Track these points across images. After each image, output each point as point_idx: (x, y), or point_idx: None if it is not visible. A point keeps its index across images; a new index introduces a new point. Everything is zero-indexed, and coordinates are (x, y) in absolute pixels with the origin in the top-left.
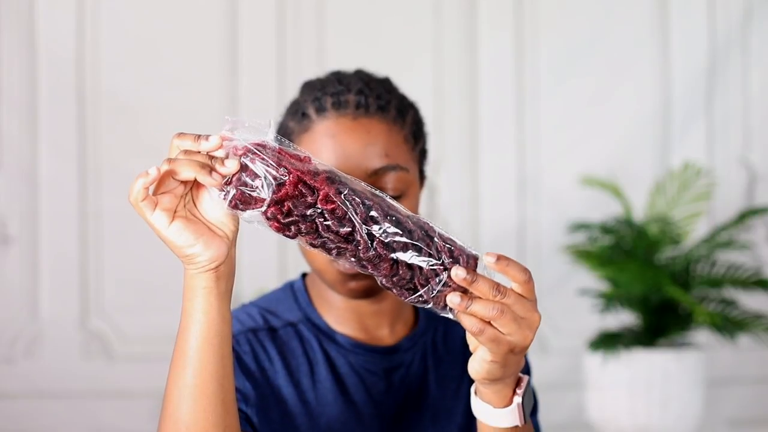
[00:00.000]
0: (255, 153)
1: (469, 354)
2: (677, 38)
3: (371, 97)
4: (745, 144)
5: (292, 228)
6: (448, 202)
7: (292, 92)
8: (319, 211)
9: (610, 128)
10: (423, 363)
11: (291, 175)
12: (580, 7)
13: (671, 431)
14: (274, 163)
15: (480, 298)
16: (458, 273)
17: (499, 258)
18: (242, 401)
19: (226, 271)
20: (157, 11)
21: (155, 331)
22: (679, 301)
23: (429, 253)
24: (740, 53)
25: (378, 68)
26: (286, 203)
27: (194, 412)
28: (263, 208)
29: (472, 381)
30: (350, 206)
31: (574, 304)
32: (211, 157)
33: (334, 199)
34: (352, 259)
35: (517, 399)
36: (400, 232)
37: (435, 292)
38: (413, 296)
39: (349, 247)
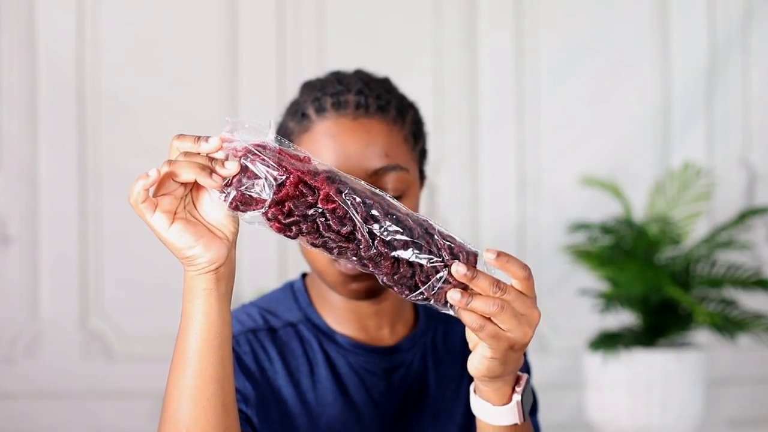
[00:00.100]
0: (255, 154)
1: (469, 354)
2: (677, 38)
3: (371, 97)
4: (745, 144)
5: (293, 228)
6: (448, 202)
7: (292, 92)
8: (320, 210)
9: (610, 128)
10: (423, 363)
11: (291, 176)
12: (580, 7)
13: (671, 431)
14: (274, 164)
15: (480, 294)
16: (458, 269)
17: (499, 254)
18: (242, 402)
19: (226, 273)
20: (157, 11)
21: (155, 331)
22: (679, 301)
23: (429, 250)
24: (740, 53)
25: (378, 68)
26: (286, 203)
27: (194, 413)
28: (264, 209)
29: (472, 381)
30: (351, 205)
31: (574, 304)
32: (211, 159)
33: (335, 199)
34: (354, 258)
35: (516, 397)
36: (401, 230)
37: (436, 289)
38: (414, 294)
39: (350, 246)
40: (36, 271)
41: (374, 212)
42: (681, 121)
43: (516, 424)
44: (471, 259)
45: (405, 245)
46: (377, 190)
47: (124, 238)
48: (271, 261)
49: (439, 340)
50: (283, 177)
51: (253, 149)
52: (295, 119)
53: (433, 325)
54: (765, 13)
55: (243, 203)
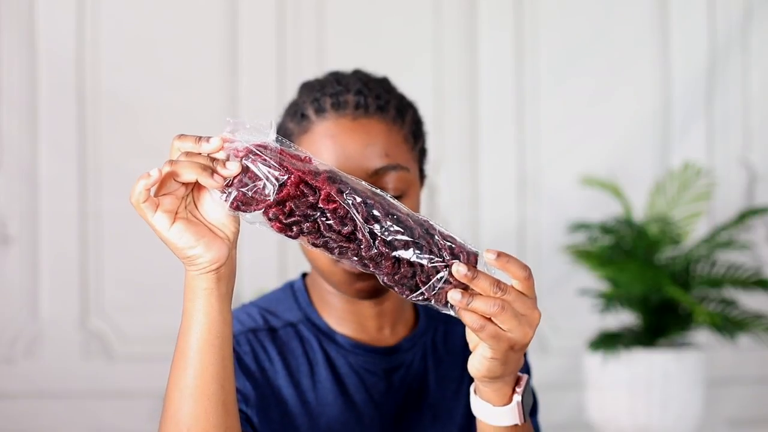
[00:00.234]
0: (256, 154)
1: (470, 354)
2: (677, 38)
3: (370, 97)
4: (745, 144)
5: (294, 228)
6: (448, 202)
7: (292, 92)
8: (321, 210)
9: (610, 128)
10: (423, 363)
11: (292, 176)
12: (580, 7)
13: (671, 431)
14: (275, 164)
15: (481, 294)
16: (459, 269)
17: (500, 255)
18: (242, 402)
19: (226, 273)
20: (157, 11)
21: (155, 331)
22: (679, 301)
23: (430, 250)
24: (740, 53)
25: (378, 68)
26: (287, 203)
27: (195, 413)
28: (265, 209)
29: (472, 381)
30: (352, 205)
31: (574, 304)
32: (213, 159)
33: (336, 199)
34: (354, 258)
35: (517, 397)
36: (402, 230)
37: (436, 289)
38: (415, 294)
39: (351, 246)
40: (36, 271)
41: (375, 212)
42: (681, 121)
43: (516, 425)
44: (471, 260)
45: (406, 245)
46: (378, 190)
47: (124, 238)
48: (272, 261)
49: (440, 341)
50: (285, 177)
51: (254, 149)
52: (295, 120)
53: (433, 325)
54: (765, 13)
55: (244, 203)
